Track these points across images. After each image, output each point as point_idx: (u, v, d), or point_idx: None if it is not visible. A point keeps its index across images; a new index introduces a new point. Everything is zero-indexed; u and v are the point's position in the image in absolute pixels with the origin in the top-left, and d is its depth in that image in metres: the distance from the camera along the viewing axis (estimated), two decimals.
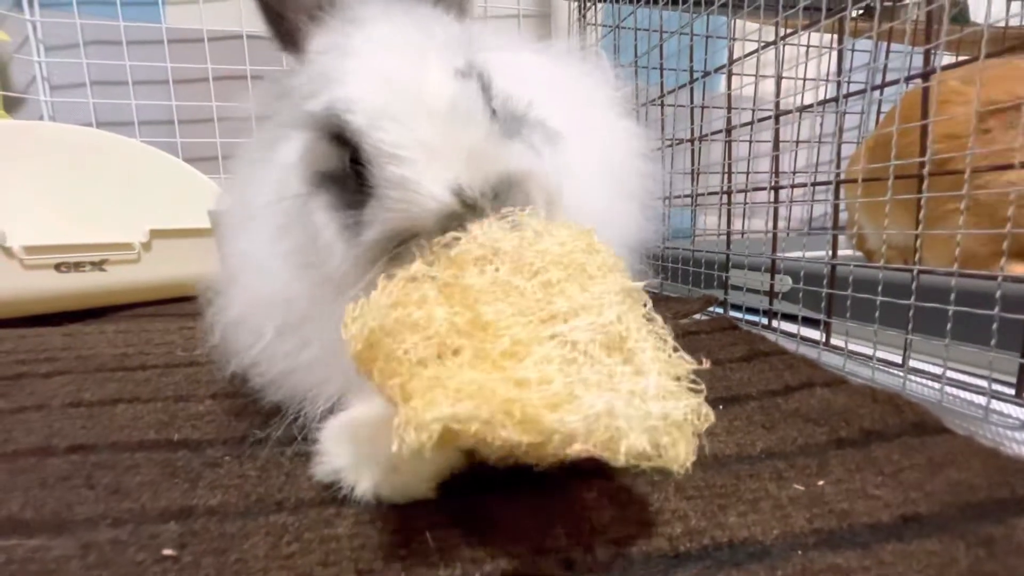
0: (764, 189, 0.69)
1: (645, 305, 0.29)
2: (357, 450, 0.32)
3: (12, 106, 1.12)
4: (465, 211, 0.30)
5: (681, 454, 0.24)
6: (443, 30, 0.36)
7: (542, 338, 0.25)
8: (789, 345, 0.60)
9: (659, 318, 0.29)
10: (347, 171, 0.33)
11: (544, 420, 0.22)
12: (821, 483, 0.32)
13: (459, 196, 0.29)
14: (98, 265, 0.82)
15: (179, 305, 0.91)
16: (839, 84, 0.59)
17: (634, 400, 0.24)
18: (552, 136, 0.36)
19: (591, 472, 0.34)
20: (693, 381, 0.26)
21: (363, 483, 0.30)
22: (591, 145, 0.50)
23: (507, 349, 0.24)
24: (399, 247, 0.31)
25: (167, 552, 0.26)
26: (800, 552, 0.26)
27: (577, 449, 0.22)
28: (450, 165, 0.30)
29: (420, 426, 0.22)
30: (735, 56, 0.77)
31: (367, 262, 0.31)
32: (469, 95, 0.32)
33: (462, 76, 0.33)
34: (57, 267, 0.79)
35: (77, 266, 0.80)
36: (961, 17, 1.17)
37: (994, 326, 0.43)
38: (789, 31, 0.68)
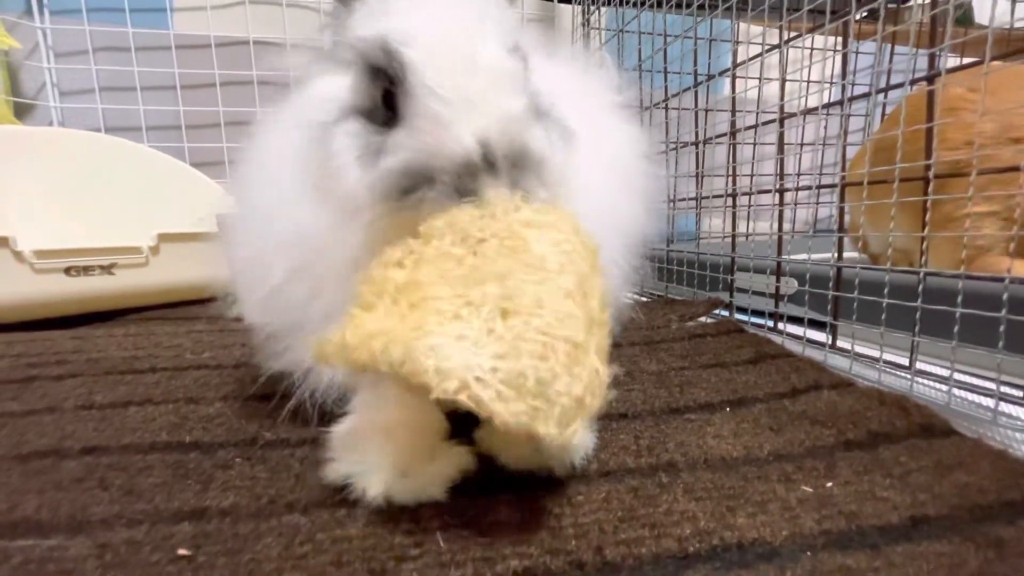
0: (769, 192, 0.69)
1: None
2: (366, 456, 0.32)
3: (23, 112, 1.13)
4: (483, 167, 0.31)
5: (551, 425, 0.24)
6: (499, 11, 0.36)
7: (451, 297, 0.27)
8: (795, 348, 0.60)
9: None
10: (377, 107, 0.34)
11: (418, 357, 0.24)
12: (829, 485, 0.32)
13: (484, 149, 0.31)
14: (107, 269, 0.83)
15: (187, 308, 0.92)
16: (843, 87, 0.60)
17: (500, 361, 0.25)
18: (569, 135, 0.37)
19: (600, 474, 0.34)
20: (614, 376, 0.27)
21: (373, 488, 0.31)
22: (600, 147, 0.50)
23: (416, 303, 0.27)
24: (412, 190, 0.31)
25: (182, 552, 0.26)
26: (809, 553, 0.26)
27: (452, 388, 0.24)
28: (485, 121, 0.31)
29: (328, 349, 0.26)
30: (739, 59, 0.77)
31: (380, 192, 0.32)
32: (517, 70, 0.34)
33: (513, 51, 0.34)
34: (67, 271, 0.79)
35: (86, 270, 0.81)
36: (965, 19, 1.17)
37: (1001, 328, 0.43)
38: (793, 34, 0.69)
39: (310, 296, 0.36)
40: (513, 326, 0.26)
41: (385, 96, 0.33)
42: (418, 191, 0.31)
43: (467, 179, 0.31)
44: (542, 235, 0.30)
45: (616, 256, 0.48)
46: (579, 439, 0.34)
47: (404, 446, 0.32)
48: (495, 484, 0.33)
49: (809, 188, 0.74)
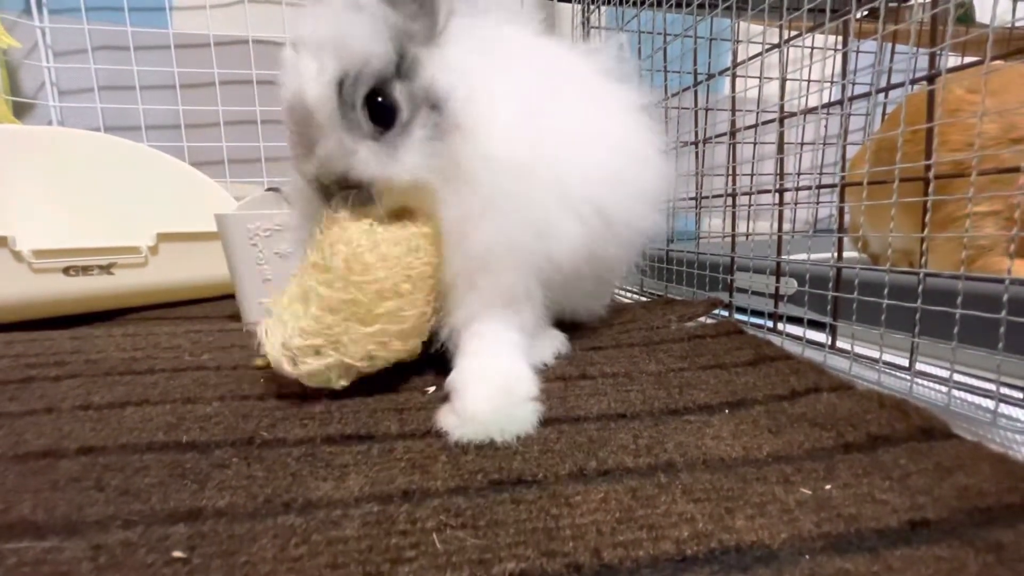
0: (768, 191, 0.69)
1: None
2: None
3: (22, 111, 1.13)
4: (321, 190, 0.44)
5: (302, 371, 0.43)
6: (356, 23, 0.42)
7: (291, 288, 0.46)
8: (795, 348, 0.60)
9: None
10: None
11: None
12: (828, 487, 0.32)
13: (316, 184, 0.44)
14: (106, 269, 0.83)
15: (186, 308, 0.92)
16: (844, 86, 0.59)
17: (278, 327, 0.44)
18: (451, 128, 0.42)
19: (599, 473, 0.34)
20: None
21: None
22: (595, 139, 0.51)
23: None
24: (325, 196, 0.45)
25: (177, 554, 0.26)
26: (808, 556, 0.26)
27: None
28: (309, 161, 0.43)
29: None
30: (739, 59, 0.77)
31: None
32: (331, 104, 0.41)
33: (333, 84, 0.41)
34: (65, 271, 0.79)
35: (85, 270, 0.81)
36: (966, 18, 1.16)
37: (1001, 329, 0.43)
38: (793, 33, 0.68)
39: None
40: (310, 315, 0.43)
41: None
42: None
43: (322, 196, 0.44)
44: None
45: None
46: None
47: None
48: (493, 485, 0.33)
49: (809, 188, 0.73)
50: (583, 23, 1.16)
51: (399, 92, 0.42)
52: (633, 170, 0.56)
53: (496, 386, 0.42)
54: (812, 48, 1.17)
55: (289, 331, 0.43)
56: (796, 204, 0.72)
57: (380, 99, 0.42)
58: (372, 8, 0.41)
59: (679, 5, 0.88)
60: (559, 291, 0.52)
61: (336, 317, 0.42)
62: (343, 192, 0.43)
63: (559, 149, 0.47)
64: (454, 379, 0.44)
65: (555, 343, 0.58)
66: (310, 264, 0.44)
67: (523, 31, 0.55)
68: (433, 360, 0.51)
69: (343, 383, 0.45)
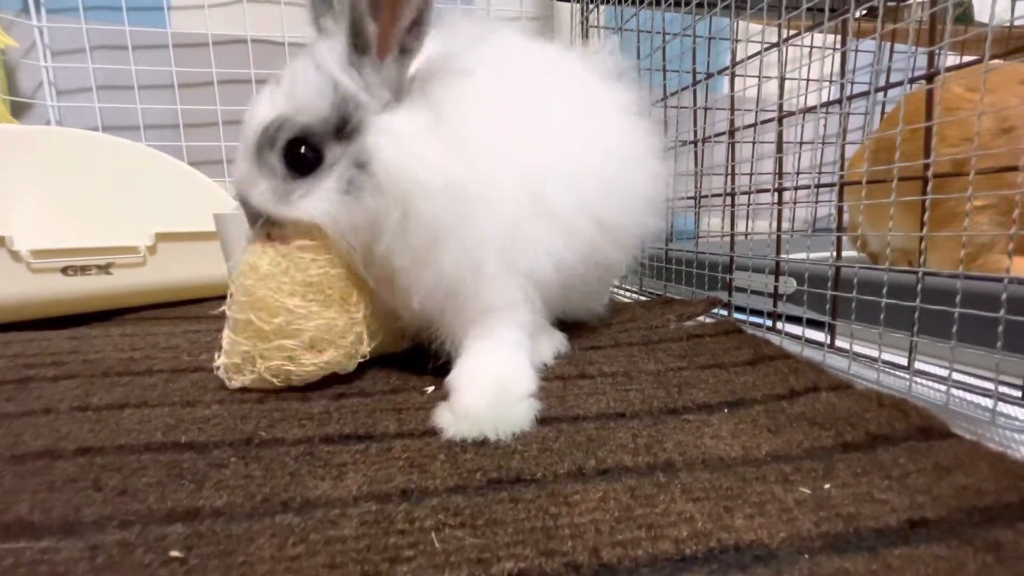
0: (767, 191, 0.69)
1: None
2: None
3: (19, 111, 1.13)
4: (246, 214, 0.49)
5: (235, 386, 0.48)
6: (308, 81, 0.46)
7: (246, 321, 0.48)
8: (794, 347, 0.60)
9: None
10: None
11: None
12: (827, 487, 0.32)
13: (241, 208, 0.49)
14: (104, 269, 0.83)
15: (185, 308, 0.91)
16: (842, 85, 0.59)
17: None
18: (371, 187, 0.45)
19: (597, 472, 0.34)
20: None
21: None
22: (586, 146, 0.51)
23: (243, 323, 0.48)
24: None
25: (174, 554, 0.26)
26: (807, 556, 0.26)
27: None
28: (237, 188, 0.49)
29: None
30: (738, 58, 0.77)
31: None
32: (255, 138, 0.46)
33: (263, 123, 0.46)
34: (64, 271, 0.79)
35: (83, 270, 0.81)
36: (965, 17, 1.16)
37: (1000, 328, 0.43)
38: (792, 32, 0.68)
39: None
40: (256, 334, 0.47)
41: None
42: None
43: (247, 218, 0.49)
44: (272, 282, 0.47)
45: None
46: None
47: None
48: (491, 484, 0.32)
49: (808, 187, 0.73)
50: (582, 22, 1.16)
51: (329, 148, 0.46)
52: (627, 174, 0.57)
53: (492, 384, 0.43)
54: (811, 47, 1.17)
55: (221, 352, 0.49)
56: (795, 203, 0.72)
57: (302, 149, 0.46)
58: (329, 72, 0.45)
59: (678, 4, 0.88)
60: (557, 293, 0.52)
61: (241, 336, 0.47)
62: (250, 217, 0.48)
63: (539, 167, 0.47)
64: (452, 378, 0.44)
65: (555, 342, 0.58)
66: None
67: (511, 39, 0.55)
68: (433, 361, 0.51)
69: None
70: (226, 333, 0.48)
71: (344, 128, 0.45)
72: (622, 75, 0.61)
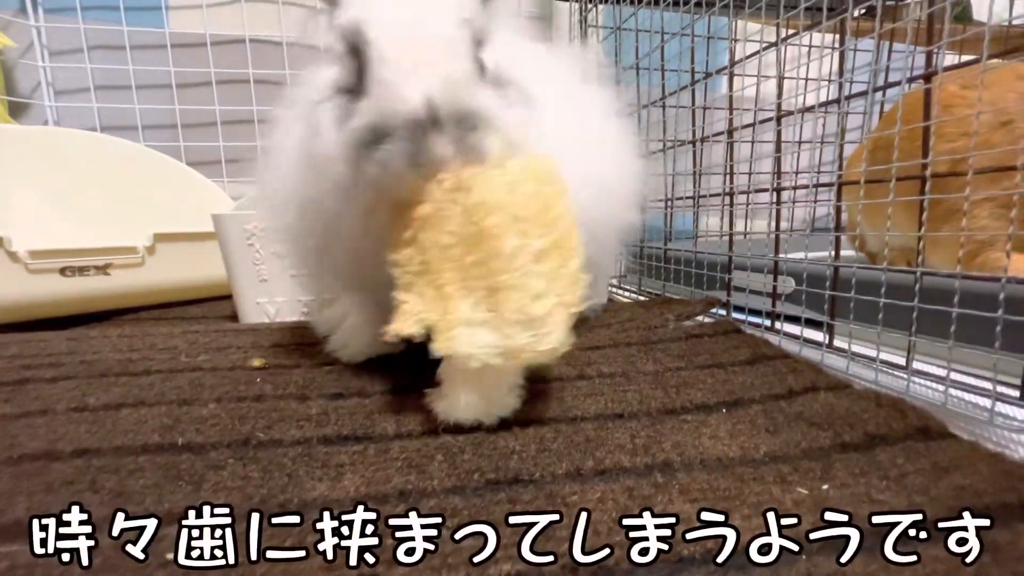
0: (766, 190, 0.69)
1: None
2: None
3: (17, 111, 1.13)
4: (430, 124, 0.35)
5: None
6: None
7: (455, 282, 0.37)
8: (792, 347, 0.60)
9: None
10: (355, 83, 0.39)
11: (446, 343, 0.37)
12: (825, 487, 0.32)
13: (428, 108, 0.35)
14: (102, 269, 0.83)
15: (183, 309, 0.91)
16: (841, 85, 0.59)
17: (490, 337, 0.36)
18: (529, 100, 0.40)
19: (596, 473, 0.34)
20: None
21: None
22: (584, 140, 0.51)
23: (436, 287, 0.37)
24: (373, 145, 0.37)
25: (170, 556, 0.26)
26: (805, 557, 0.26)
27: (470, 364, 0.37)
28: (428, 82, 0.36)
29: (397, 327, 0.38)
30: (737, 57, 0.77)
31: (351, 150, 0.38)
32: (461, 39, 0.38)
33: (462, 24, 0.38)
34: (62, 271, 0.79)
35: (81, 270, 0.81)
36: (963, 16, 1.17)
37: (998, 328, 0.43)
38: (791, 32, 0.68)
39: (320, 251, 0.47)
40: (496, 303, 0.36)
41: (358, 71, 0.38)
42: (379, 146, 0.36)
43: (419, 135, 0.35)
44: (501, 220, 0.36)
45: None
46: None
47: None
48: (490, 485, 0.32)
49: (806, 187, 0.73)
50: (580, 22, 1.16)
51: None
52: (606, 170, 0.57)
53: (483, 370, 0.43)
54: (809, 46, 1.17)
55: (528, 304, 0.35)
56: (794, 203, 0.72)
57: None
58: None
59: (676, 3, 0.88)
60: None
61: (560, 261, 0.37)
62: (455, 132, 0.36)
63: None
64: (445, 367, 0.44)
65: None
66: (477, 234, 0.36)
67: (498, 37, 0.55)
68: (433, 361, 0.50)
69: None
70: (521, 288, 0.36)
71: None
72: (602, 76, 0.62)
